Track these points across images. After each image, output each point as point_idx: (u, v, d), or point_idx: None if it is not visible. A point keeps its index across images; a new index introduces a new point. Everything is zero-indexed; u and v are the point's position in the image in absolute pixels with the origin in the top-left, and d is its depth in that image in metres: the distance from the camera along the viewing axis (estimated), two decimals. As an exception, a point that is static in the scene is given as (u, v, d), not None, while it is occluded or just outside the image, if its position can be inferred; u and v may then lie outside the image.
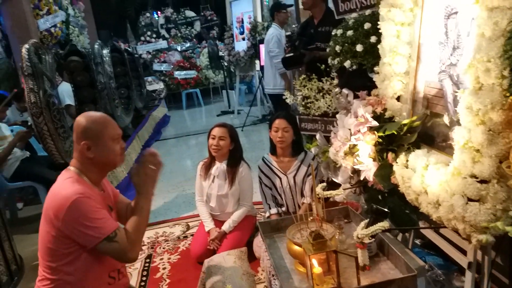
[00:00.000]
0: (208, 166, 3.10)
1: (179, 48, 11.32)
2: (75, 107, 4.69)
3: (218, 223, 3.13)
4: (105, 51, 5.43)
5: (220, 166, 3.06)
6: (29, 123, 4.50)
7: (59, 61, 4.25)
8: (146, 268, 3.10)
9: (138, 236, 1.75)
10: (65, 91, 4.87)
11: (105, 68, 5.23)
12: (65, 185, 1.68)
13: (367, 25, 2.35)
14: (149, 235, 3.64)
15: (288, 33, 4.84)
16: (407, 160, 1.89)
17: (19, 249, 3.34)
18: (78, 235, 1.63)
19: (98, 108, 4.66)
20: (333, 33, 2.66)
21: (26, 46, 3.29)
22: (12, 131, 4.28)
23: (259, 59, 7.31)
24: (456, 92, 1.63)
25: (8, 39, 5.78)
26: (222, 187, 3.04)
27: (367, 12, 2.49)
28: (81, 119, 1.75)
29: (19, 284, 3.06)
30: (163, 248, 3.37)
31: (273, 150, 2.98)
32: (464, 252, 1.77)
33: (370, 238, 1.80)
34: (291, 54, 3.61)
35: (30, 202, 4.76)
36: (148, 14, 11.55)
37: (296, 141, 2.90)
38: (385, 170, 2.02)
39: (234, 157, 3.06)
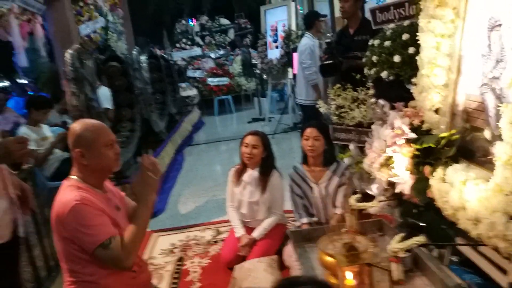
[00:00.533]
0: (240, 173, 3.12)
1: (212, 55, 11.49)
2: (113, 111, 4.83)
3: (249, 230, 3.13)
4: (143, 57, 5.59)
5: (252, 173, 3.07)
6: (68, 125, 4.65)
7: (99, 66, 4.39)
8: (177, 270, 3.14)
9: (134, 245, 1.74)
10: (104, 95, 5.02)
11: (142, 74, 5.38)
12: (66, 193, 1.73)
13: (405, 36, 2.32)
14: (180, 238, 3.69)
15: (328, 40, 4.78)
16: (444, 174, 1.85)
17: (58, 246, 3.45)
18: (77, 240, 1.67)
19: (134, 112, 4.79)
20: (370, 43, 2.64)
21: (70, 51, 3.41)
22: (53, 132, 4.45)
23: (292, 68, 7.31)
24: (499, 106, 1.58)
25: (51, 44, 6.00)
26: (253, 194, 3.05)
27: (406, 22, 2.46)
28: (75, 126, 1.78)
29: (56, 280, 3.17)
30: (194, 251, 3.41)
31: (304, 160, 2.97)
32: (504, 272, 1.71)
33: (405, 252, 1.77)
34: (330, 61, 3.57)
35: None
36: (183, 22, 11.81)
37: (328, 151, 2.88)
38: (421, 184, 1.98)
39: (266, 165, 3.06)
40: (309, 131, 2.83)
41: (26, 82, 6.76)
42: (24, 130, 4.01)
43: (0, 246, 2.02)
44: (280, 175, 3.11)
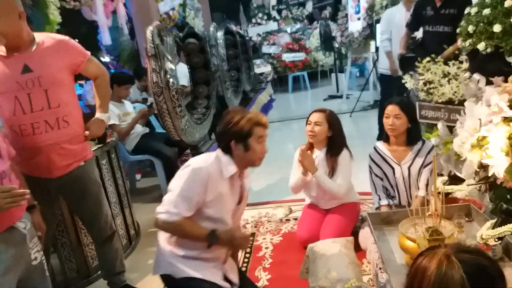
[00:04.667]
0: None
1: (289, 30, 11.28)
2: (190, 88, 4.94)
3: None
4: (219, 34, 5.61)
5: (320, 154, 2.96)
6: (149, 102, 4.84)
7: (178, 43, 4.48)
8: (249, 245, 3.18)
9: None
10: (181, 72, 5.14)
11: (218, 51, 5.41)
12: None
13: (508, 3, 2.07)
14: (252, 214, 3.73)
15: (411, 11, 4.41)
16: (547, 157, 1.66)
17: (136, 217, 3.65)
18: None
19: (211, 89, 4.85)
20: (466, 12, 2.41)
21: (150, 28, 3.49)
22: (134, 108, 4.66)
23: (375, 40, 6.97)
24: None
25: (132, 22, 6.23)
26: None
27: (508, -13, 2.20)
28: None
29: (136, 247, 3.36)
30: (266, 228, 3.43)
31: (386, 138, 2.82)
32: None
33: (496, 240, 1.63)
34: (410, 55, 3.31)
35: (147, 174, 5.17)
36: (260, -5, 11.65)
37: (412, 129, 2.70)
38: (519, 167, 1.79)
39: (334, 145, 2.94)
40: (390, 109, 2.66)
41: (108, 60, 7.11)
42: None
43: None
44: (350, 155, 2.97)
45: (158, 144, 4.38)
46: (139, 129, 4.45)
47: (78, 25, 5.91)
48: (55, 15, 3.26)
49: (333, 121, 2.94)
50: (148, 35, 3.46)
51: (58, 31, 3.34)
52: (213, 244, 1.87)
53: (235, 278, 2.04)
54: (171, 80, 3.50)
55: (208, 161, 1.87)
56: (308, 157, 2.88)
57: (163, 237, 1.97)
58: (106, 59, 7.12)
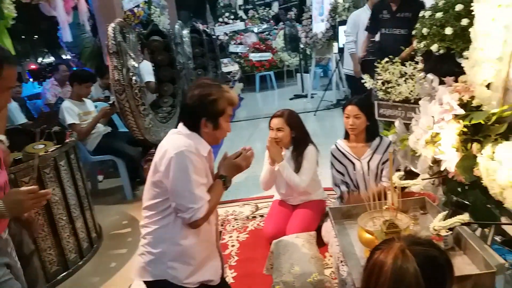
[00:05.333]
0: None
1: (255, 30, 11.34)
2: (155, 84, 4.88)
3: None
4: (185, 32, 5.58)
5: (286, 153, 3.04)
6: (111, 100, 4.78)
7: (142, 41, 4.43)
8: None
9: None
10: (145, 69, 5.09)
11: (184, 49, 5.39)
12: None
13: (459, 7, 2.18)
14: (219, 212, 3.73)
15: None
16: (493, 152, 1.76)
17: (98, 219, 3.58)
18: None
19: (176, 87, 4.82)
20: (420, 15, 2.51)
21: (112, 25, 3.44)
22: (96, 107, 4.57)
23: (338, 42, 7.12)
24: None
25: (94, 19, 6.11)
26: None
27: (459, -8, 2.32)
28: None
29: (98, 250, 3.30)
30: (233, 226, 3.46)
31: (346, 136, 2.91)
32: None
33: (447, 230, 1.72)
34: (371, 58, 3.41)
35: (110, 175, 5.02)
36: (227, -5, 11.64)
37: (371, 127, 2.80)
38: (468, 162, 1.89)
39: (298, 144, 3.02)
40: (349, 109, 2.75)
41: (70, 57, 6.94)
42: (67, 104, 4.14)
43: None
44: (315, 150, 3.05)
45: (121, 143, 4.30)
46: (101, 128, 4.37)
47: (37, 21, 5.72)
48: (10, 10, 3.11)
49: (292, 122, 3.01)
50: (109, 32, 3.41)
51: (14, 26, 3.23)
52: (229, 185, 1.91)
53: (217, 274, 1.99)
54: (133, 78, 3.46)
55: (188, 142, 1.76)
56: (275, 146, 2.95)
57: (168, 241, 1.82)
58: (67, 56, 6.95)
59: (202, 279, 1.87)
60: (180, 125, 1.86)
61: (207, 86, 1.81)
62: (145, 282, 1.86)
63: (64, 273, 2.87)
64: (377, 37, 4.26)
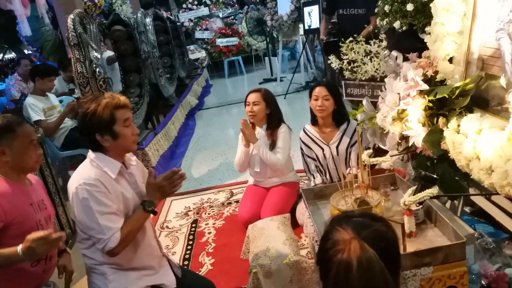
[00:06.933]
0: None
1: (220, 15, 11.19)
2: (120, 76, 4.78)
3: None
4: (148, 20, 5.46)
5: (260, 131, 3.06)
6: (76, 93, 4.65)
7: (104, 31, 4.31)
8: (192, 232, 3.19)
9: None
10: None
11: (148, 37, 5.27)
12: None
13: (418, -18, 2.20)
14: (194, 201, 3.73)
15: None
16: (458, 125, 1.80)
17: (72, 215, 3.51)
18: None
19: (142, 77, 4.73)
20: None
21: (71, 16, 3.35)
22: (61, 101, 4.44)
23: (303, 23, 7.10)
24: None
25: (54, 11, 5.91)
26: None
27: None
28: None
29: (72, 247, 3.24)
30: (208, 213, 3.45)
31: (313, 121, 2.91)
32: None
33: (417, 205, 1.75)
34: (334, 39, 3.39)
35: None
36: (189, -19, 11.41)
37: (338, 110, 2.81)
38: (435, 136, 1.93)
39: (273, 121, 3.05)
40: (318, 90, 2.75)
41: (31, 52, 6.72)
42: (31, 100, 4.01)
43: None
44: (289, 129, 3.08)
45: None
46: (68, 123, 4.27)
47: (-7, 16, 5.51)
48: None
49: (268, 99, 3.05)
50: (69, 23, 3.31)
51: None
52: (154, 211, 1.79)
53: (170, 280, 1.97)
54: (97, 69, 3.38)
55: (88, 173, 1.71)
56: (249, 128, 2.97)
57: (97, 258, 1.81)
58: (28, 51, 6.73)
59: (153, 283, 1.87)
60: (89, 150, 1.82)
61: (84, 104, 1.77)
62: None
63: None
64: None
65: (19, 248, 1.52)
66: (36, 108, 3.96)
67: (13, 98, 5.18)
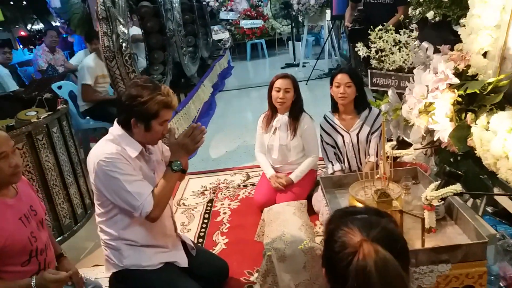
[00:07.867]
0: (269, 119, 3.07)
1: (247, -4, 11.09)
2: (145, 53, 4.79)
3: (278, 174, 3.14)
4: (175, -3, 5.43)
5: (281, 118, 3.02)
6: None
7: (131, 6, 4.31)
8: (207, 211, 3.21)
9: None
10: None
11: (174, 15, 5.26)
12: None
13: (456, -28, 2.13)
14: (211, 181, 3.75)
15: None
16: (488, 122, 1.75)
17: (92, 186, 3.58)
18: None
19: (166, 55, 4.73)
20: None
21: (101, -11, 3.34)
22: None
23: (331, 8, 6.98)
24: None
25: (83, -16, 5.94)
26: (284, 138, 3.01)
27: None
28: None
29: (92, 217, 3.31)
30: (224, 194, 3.47)
31: (334, 108, 2.88)
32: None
33: (439, 200, 1.73)
34: (360, 27, 3.32)
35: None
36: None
37: (359, 98, 2.77)
38: (462, 132, 1.88)
39: (296, 109, 3.01)
40: (340, 77, 2.71)
41: (59, 24, 6.78)
42: (91, 63, 4.24)
43: None
44: (310, 118, 3.06)
45: (114, 110, 4.28)
46: (106, 92, 4.44)
47: (25, -14, 5.59)
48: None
49: (297, 85, 3.01)
50: (98, -4, 3.31)
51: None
52: (183, 169, 1.85)
53: (183, 259, 2.03)
54: (123, 44, 3.38)
55: (110, 149, 1.75)
56: (280, 184, 2.99)
57: (112, 233, 1.87)
58: (56, 23, 6.80)
59: (166, 260, 1.94)
60: (114, 123, 1.85)
61: (140, 87, 1.76)
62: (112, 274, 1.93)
63: (59, 238, 2.89)
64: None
65: (33, 282, 1.57)
66: (92, 72, 4.13)
67: (40, 68, 5.27)
